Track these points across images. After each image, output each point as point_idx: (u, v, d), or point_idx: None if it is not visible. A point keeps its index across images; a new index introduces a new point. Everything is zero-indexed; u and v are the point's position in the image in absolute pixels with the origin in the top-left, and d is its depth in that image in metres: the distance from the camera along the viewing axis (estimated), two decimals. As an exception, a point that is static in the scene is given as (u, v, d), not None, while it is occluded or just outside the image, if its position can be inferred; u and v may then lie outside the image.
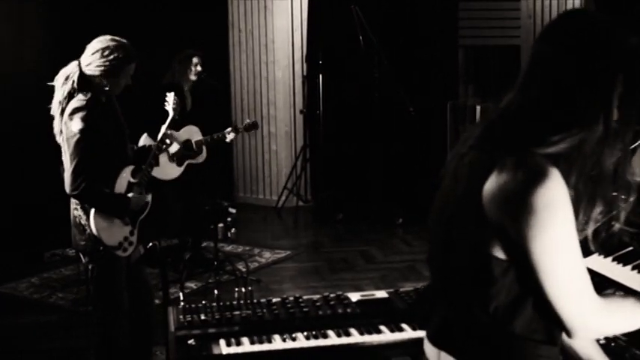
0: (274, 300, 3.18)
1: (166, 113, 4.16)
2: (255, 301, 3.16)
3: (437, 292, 1.84)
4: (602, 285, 2.29)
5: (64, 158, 3.51)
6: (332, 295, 3.21)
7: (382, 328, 2.97)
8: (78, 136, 3.38)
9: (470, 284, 1.68)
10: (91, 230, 3.47)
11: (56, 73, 3.55)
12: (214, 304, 3.12)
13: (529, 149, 1.57)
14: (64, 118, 3.44)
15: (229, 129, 5.81)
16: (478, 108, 7.64)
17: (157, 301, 4.07)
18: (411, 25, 8.25)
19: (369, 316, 3.03)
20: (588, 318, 1.60)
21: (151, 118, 4.57)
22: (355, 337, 2.92)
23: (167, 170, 5.69)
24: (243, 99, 9.02)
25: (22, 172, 6.76)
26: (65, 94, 3.47)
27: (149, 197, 3.75)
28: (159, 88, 5.37)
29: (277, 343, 2.86)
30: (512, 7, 8.57)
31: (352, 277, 6.02)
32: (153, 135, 3.96)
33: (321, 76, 8.09)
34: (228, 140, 5.82)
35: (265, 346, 2.84)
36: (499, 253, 1.62)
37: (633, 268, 2.34)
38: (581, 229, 1.62)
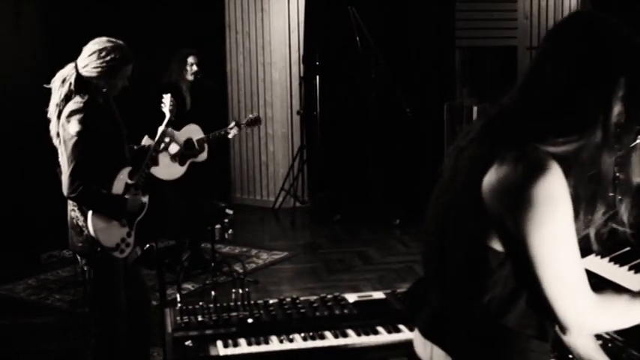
0: (271, 301, 3.18)
1: (164, 114, 4.16)
2: (252, 302, 3.16)
3: (430, 285, 1.84)
4: (600, 286, 2.30)
5: (61, 160, 3.51)
6: (329, 296, 3.22)
7: (379, 329, 2.98)
8: (75, 138, 3.37)
9: (465, 276, 1.68)
10: (88, 231, 3.47)
11: (54, 73, 3.54)
12: (211, 305, 3.12)
13: (530, 144, 1.58)
14: (61, 120, 3.44)
15: (232, 124, 5.82)
16: (475, 109, 7.65)
17: (153, 303, 4.07)
18: (408, 26, 8.25)
19: (366, 317, 3.03)
20: (582, 314, 1.60)
21: (149, 118, 4.57)
22: (352, 338, 2.92)
23: (170, 170, 5.71)
24: (240, 100, 9.02)
25: (19, 173, 6.75)
26: (62, 96, 3.46)
27: (146, 198, 3.74)
28: (157, 89, 5.36)
29: (274, 345, 2.86)
30: (509, 8, 8.59)
31: (349, 278, 6.03)
32: (153, 136, 3.96)
33: (317, 77, 8.09)
34: (230, 136, 5.82)
35: (262, 348, 2.84)
36: (496, 246, 1.62)
37: (630, 269, 2.35)
38: (581, 230, 1.63)
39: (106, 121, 3.54)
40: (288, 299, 3.18)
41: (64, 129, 3.41)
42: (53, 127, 3.51)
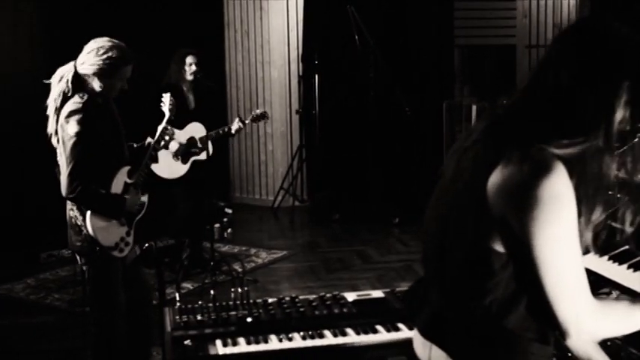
0: (270, 300, 3.18)
1: (164, 113, 4.17)
2: (251, 301, 3.16)
3: (430, 285, 1.84)
4: (598, 284, 2.30)
5: (59, 160, 3.51)
6: (328, 295, 3.22)
7: (378, 327, 2.98)
8: (74, 139, 3.37)
9: (467, 277, 1.68)
10: (87, 231, 3.47)
11: (53, 73, 3.54)
12: (211, 304, 3.12)
13: (536, 144, 1.58)
14: (60, 120, 3.43)
15: (236, 120, 5.82)
16: (474, 107, 7.65)
17: (153, 302, 4.06)
18: (407, 25, 8.25)
19: (365, 316, 3.03)
20: (582, 317, 1.59)
21: (150, 119, 4.57)
22: (352, 337, 2.92)
23: (172, 169, 5.72)
24: (239, 99, 9.02)
25: (18, 173, 6.75)
26: (59, 92, 3.46)
27: (145, 198, 3.74)
28: (157, 89, 5.36)
29: (274, 343, 2.86)
30: (508, 6, 8.59)
31: (348, 277, 6.02)
32: (154, 136, 3.96)
33: (316, 76, 8.09)
34: (233, 131, 5.82)
35: (262, 347, 2.84)
36: (499, 247, 1.62)
37: (629, 267, 2.35)
38: (582, 231, 1.62)
39: (105, 121, 3.54)
40: (288, 298, 3.18)
41: (62, 129, 3.41)
42: (50, 124, 3.51)
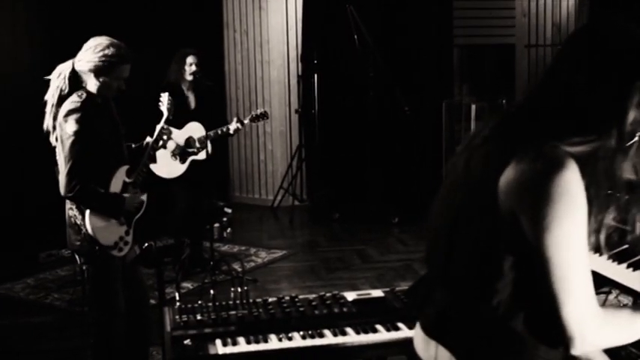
0: (270, 300, 3.18)
1: (162, 113, 4.16)
2: (251, 300, 3.16)
3: (434, 284, 1.83)
4: (598, 283, 2.30)
5: (58, 159, 3.51)
6: (328, 295, 3.22)
7: (378, 327, 2.97)
8: (72, 138, 3.37)
9: (475, 277, 1.67)
10: (86, 230, 3.46)
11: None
12: (210, 304, 3.12)
13: (548, 142, 1.57)
14: (58, 119, 3.43)
15: (235, 119, 5.82)
16: (473, 107, 7.65)
17: (152, 302, 4.07)
18: (406, 24, 8.24)
19: (365, 316, 3.03)
20: (586, 321, 1.56)
21: (150, 118, 4.56)
22: (351, 337, 2.92)
23: (171, 168, 5.72)
24: (238, 98, 9.02)
25: (17, 173, 6.75)
26: (57, 89, 3.46)
27: (144, 197, 3.74)
28: (158, 89, 5.35)
29: (273, 343, 2.86)
30: (507, 6, 8.59)
31: (348, 276, 6.02)
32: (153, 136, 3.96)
33: (316, 75, 8.08)
34: (231, 131, 5.82)
35: (261, 346, 2.84)
36: (509, 247, 1.61)
37: (629, 266, 2.35)
38: (591, 232, 1.61)
39: (103, 120, 3.54)
40: (287, 298, 3.18)
41: (61, 128, 3.41)
42: (47, 121, 3.50)
